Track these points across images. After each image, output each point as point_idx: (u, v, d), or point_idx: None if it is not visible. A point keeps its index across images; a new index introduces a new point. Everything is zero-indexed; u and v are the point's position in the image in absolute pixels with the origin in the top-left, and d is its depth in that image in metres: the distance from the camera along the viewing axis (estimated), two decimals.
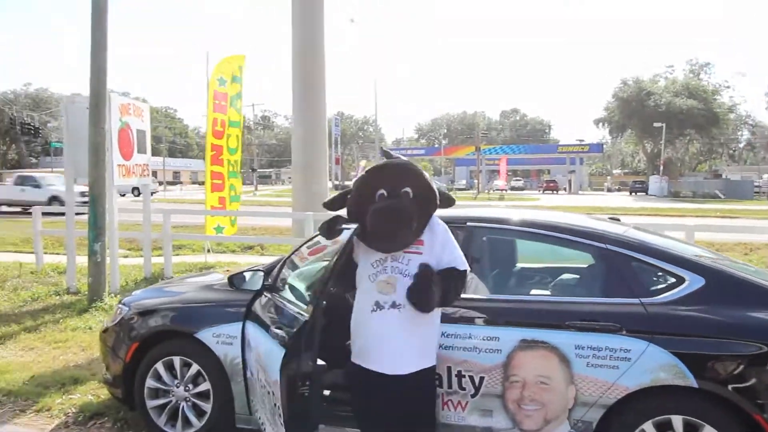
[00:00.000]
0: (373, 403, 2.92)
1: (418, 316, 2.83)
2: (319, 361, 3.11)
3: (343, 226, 3.09)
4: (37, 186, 25.03)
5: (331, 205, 3.07)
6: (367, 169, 3.01)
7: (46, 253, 10.82)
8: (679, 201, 41.79)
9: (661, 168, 54.38)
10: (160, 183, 54.50)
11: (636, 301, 2.98)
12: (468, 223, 3.45)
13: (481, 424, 3.11)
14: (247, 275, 3.77)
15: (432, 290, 2.74)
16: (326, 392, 3.61)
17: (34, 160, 79.21)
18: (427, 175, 2.95)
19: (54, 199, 22.10)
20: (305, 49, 8.99)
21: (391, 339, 2.82)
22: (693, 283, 2.98)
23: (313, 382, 3.13)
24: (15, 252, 12.36)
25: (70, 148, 8.08)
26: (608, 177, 78.49)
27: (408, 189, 2.83)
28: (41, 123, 57.15)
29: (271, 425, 3.13)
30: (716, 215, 25.09)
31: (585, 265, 3.62)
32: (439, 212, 2.98)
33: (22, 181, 26.01)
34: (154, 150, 9.16)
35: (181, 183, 76.21)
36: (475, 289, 3.35)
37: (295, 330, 2.96)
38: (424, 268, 2.77)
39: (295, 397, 2.92)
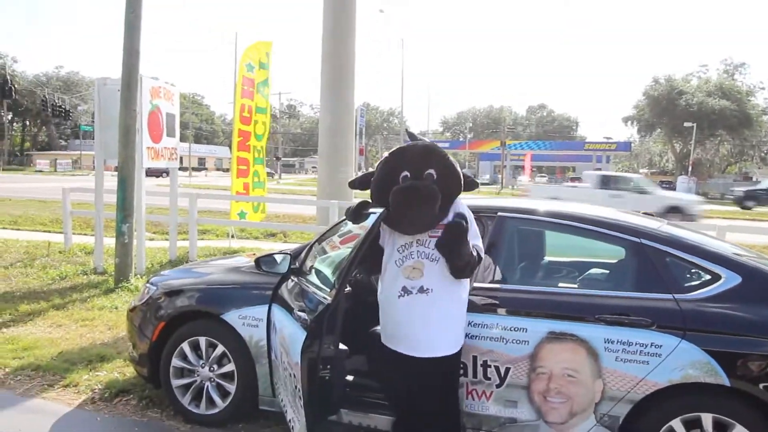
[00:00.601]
0: (405, 385, 2.93)
1: (447, 300, 2.84)
2: (341, 346, 3.11)
3: (370, 210, 3.09)
4: (642, 192, 18.72)
5: (355, 184, 3.07)
6: (390, 151, 2.98)
7: (74, 233, 10.98)
8: (707, 203, 41.00)
9: (690, 168, 53.44)
10: (185, 169, 54.95)
11: (669, 296, 2.92)
12: (499, 213, 3.41)
13: (506, 415, 3.08)
14: (275, 258, 3.77)
15: (465, 238, 2.71)
16: (349, 377, 3.61)
17: (63, 143, 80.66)
18: (451, 157, 2.92)
19: (673, 210, 17.10)
20: (336, 31, 8.85)
21: (421, 324, 2.82)
22: (729, 280, 2.91)
23: (335, 367, 3.14)
24: (44, 231, 12.57)
25: (101, 130, 8.17)
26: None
27: (432, 171, 2.81)
28: (72, 106, 57.96)
29: (291, 408, 3.14)
30: (744, 218, 24.62)
31: (617, 259, 3.56)
32: (470, 201, 2.95)
33: (609, 183, 19.21)
34: (180, 136, 9.24)
35: (205, 169, 77.00)
36: (504, 279, 3.32)
37: (317, 313, 2.96)
38: (457, 219, 2.73)
39: (316, 381, 2.92)
